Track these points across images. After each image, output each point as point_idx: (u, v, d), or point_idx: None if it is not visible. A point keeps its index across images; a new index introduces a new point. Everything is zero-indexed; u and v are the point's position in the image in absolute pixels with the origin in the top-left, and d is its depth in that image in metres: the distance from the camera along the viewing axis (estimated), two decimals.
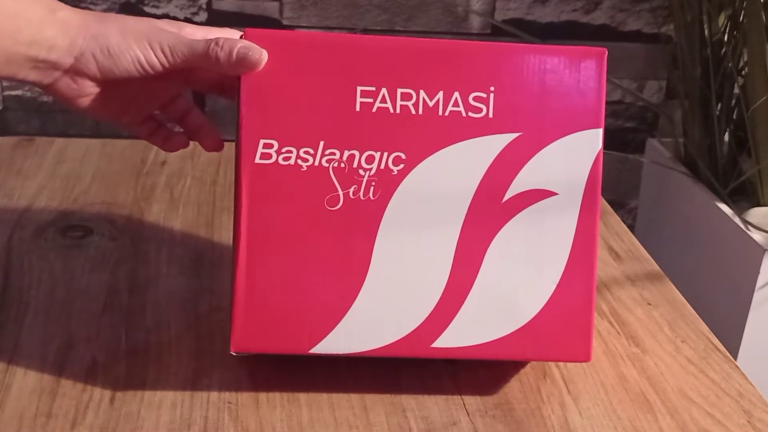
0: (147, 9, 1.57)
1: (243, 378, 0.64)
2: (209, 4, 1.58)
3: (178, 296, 0.73)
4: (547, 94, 0.61)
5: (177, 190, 0.92)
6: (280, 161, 0.60)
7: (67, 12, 0.59)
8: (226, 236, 0.82)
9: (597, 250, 0.62)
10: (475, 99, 0.61)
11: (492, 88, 0.61)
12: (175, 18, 1.57)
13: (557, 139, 0.61)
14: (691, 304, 0.78)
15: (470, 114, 0.61)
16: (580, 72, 0.62)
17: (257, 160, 0.59)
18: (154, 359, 0.65)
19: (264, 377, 0.64)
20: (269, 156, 0.59)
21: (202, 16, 1.59)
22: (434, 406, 0.63)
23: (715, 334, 0.74)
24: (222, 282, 0.75)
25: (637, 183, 1.71)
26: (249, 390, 0.63)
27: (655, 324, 0.75)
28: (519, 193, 0.61)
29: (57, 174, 0.94)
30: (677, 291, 0.80)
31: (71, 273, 0.76)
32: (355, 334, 0.60)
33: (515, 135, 0.61)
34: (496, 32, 1.64)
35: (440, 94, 0.60)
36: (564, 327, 0.62)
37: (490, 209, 0.61)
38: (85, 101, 0.62)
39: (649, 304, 0.78)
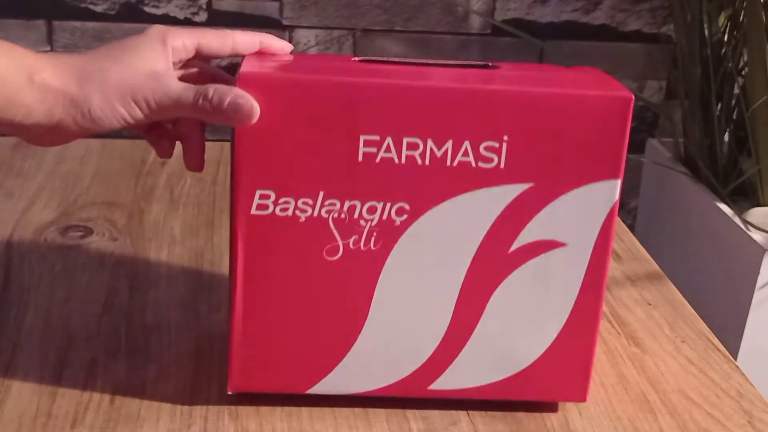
0: (147, 9, 1.57)
1: None
2: (209, 4, 1.58)
3: (178, 296, 0.73)
4: (564, 142, 0.57)
5: (177, 190, 0.92)
6: (278, 212, 0.57)
7: (47, 74, 0.55)
8: (226, 236, 0.82)
9: (602, 303, 0.60)
10: (487, 149, 0.56)
11: (505, 138, 0.56)
12: (174, 18, 1.57)
13: (571, 190, 0.58)
14: (691, 304, 0.78)
15: (480, 164, 0.57)
16: (603, 120, 0.56)
17: (253, 212, 0.57)
18: (154, 359, 0.65)
19: None
20: (266, 207, 0.57)
21: (202, 16, 1.59)
22: (434, 406, 0.63)
23: (715, 334, 0.74)
24: (222, 282, 0.75)
25: (637, 183, 1.71)
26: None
27: (655, 324, 0.75)
28: (526, 244, 0.58)
29: (57, 174, 0.94)
30: (677, 291, 0.80)
31: (71, 273, 0.76)
32: (352, 377, 0.60)
33: (527, 186, 0.57)
34: (496, 32, 1.64)
35: (449, 144, 0.56)
36: (561, 372, 0.61)
37: (496, 260, 0.58)
38: (74, 139, 0.58)
39: (649, 304, 0.78)
